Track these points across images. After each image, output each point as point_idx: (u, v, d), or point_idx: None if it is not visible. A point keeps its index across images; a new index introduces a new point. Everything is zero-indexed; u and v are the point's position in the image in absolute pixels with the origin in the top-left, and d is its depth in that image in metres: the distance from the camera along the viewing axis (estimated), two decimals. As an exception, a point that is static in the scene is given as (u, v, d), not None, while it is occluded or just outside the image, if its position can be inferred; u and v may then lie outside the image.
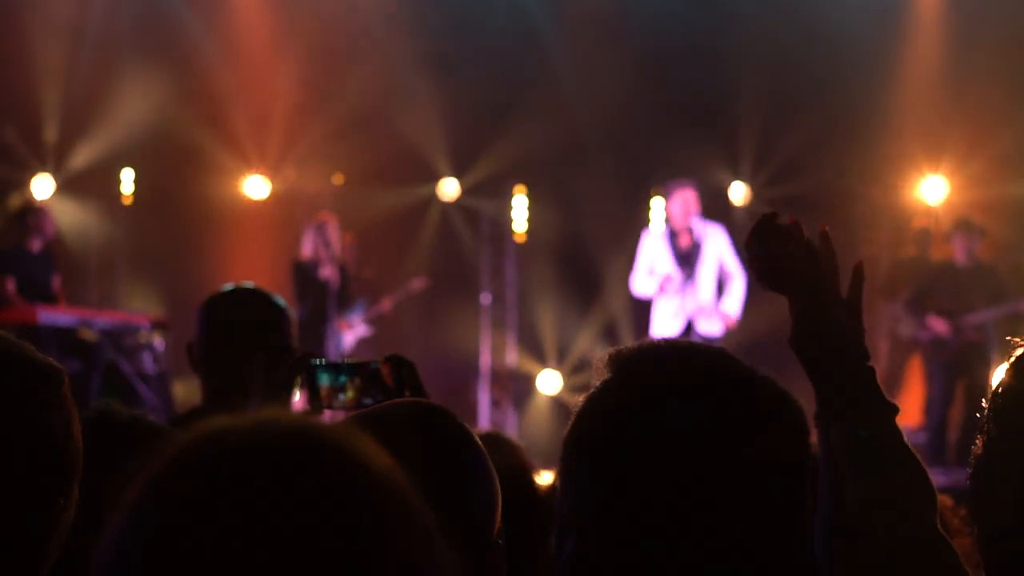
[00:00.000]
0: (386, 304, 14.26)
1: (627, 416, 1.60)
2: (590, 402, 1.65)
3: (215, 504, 1.15)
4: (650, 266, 11.50)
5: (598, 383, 1.68)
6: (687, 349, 1.68)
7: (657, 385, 1.61)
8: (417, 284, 14.64)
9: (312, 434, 1.22)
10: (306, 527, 1.14)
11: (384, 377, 2.90)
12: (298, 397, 2.95)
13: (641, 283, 11.58)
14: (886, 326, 15.08)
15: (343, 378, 2.95)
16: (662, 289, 11.24)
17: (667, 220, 11.74)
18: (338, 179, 14.92)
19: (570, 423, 1.66)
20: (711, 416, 1.57)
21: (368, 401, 2.90)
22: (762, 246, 2.25)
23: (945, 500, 2.60)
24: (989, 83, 14.80)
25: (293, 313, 3.92)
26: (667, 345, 1.69)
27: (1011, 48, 14.78)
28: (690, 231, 11.26)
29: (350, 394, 2.94)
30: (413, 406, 2.01)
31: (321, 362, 3.01)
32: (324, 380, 2.96)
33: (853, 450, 2.04)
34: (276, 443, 1.19)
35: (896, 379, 15.14)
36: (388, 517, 1.18)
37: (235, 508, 1.14)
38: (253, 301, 3.84)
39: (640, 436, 1.58)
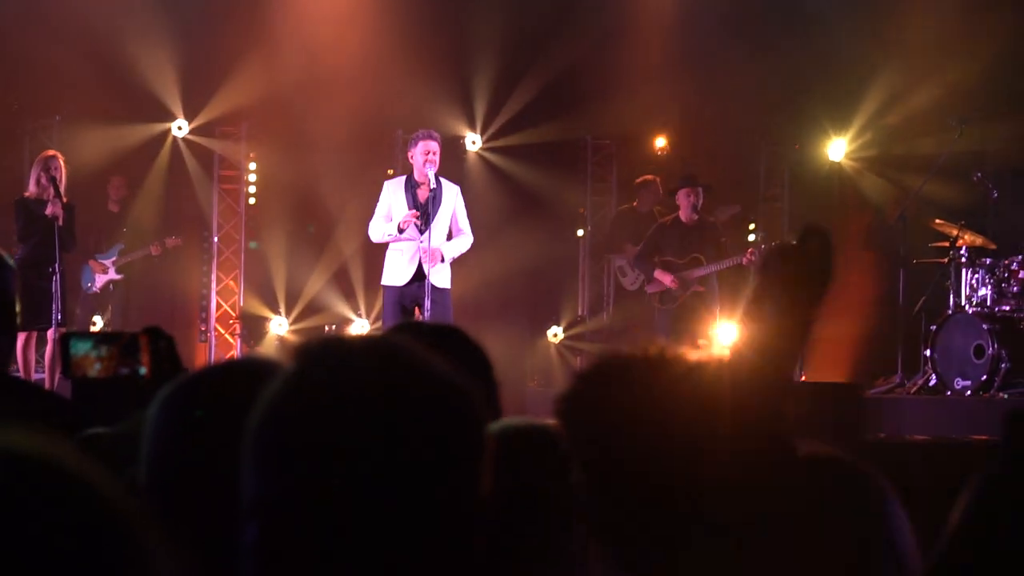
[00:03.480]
0: (140, 253, 14.38)
1: (302, 406, 1.68)
2: (274, 393, 1.72)
3: None
4: (387, 213, 11.48)
5: (286, 372, 1.75)
6: (368, 344, 1.76)
7: (334, 379, 1.69)
8: (171, 242, 14.56)
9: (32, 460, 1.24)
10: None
11: (141, 348, 2.93)
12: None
13: (377, 229, 11.54)
14: (612, 278, 15.53)
15: (100, 348, 2.97)
16: (402, 228, 11.22)
17: (408, 168, 11.72)
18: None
19: (257, 411, 1.72)
20: (381, 406, 1.67)
21: (124, 371, 2.94)
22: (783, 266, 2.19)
23: None
24: (719, 37, 15.21)
25: (11, 268, 3.79)
26: (350, 340, 1.76)
27: (737, 7, 15.22)
28: (429, 182, 11.27)
29: (105, 363, 2.96)
30: None
31: (77, 332, 3.03)
32: (79, 349, 2.97)
33: None
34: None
35: (625, 330, 15.58)
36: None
37: None
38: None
39: (311, 426, 1.66)
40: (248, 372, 2.24)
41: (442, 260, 11.34)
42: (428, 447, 1.67)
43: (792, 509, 1.99)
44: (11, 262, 3.78)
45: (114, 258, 14.32)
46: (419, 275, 11.23)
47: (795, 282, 2.13)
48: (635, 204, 14.97)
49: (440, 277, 11.31)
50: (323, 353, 1.73)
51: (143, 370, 2.93)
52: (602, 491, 1.96)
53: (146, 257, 14.62)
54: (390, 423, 1.66)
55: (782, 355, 2.14)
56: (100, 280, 14.28)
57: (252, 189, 16.23)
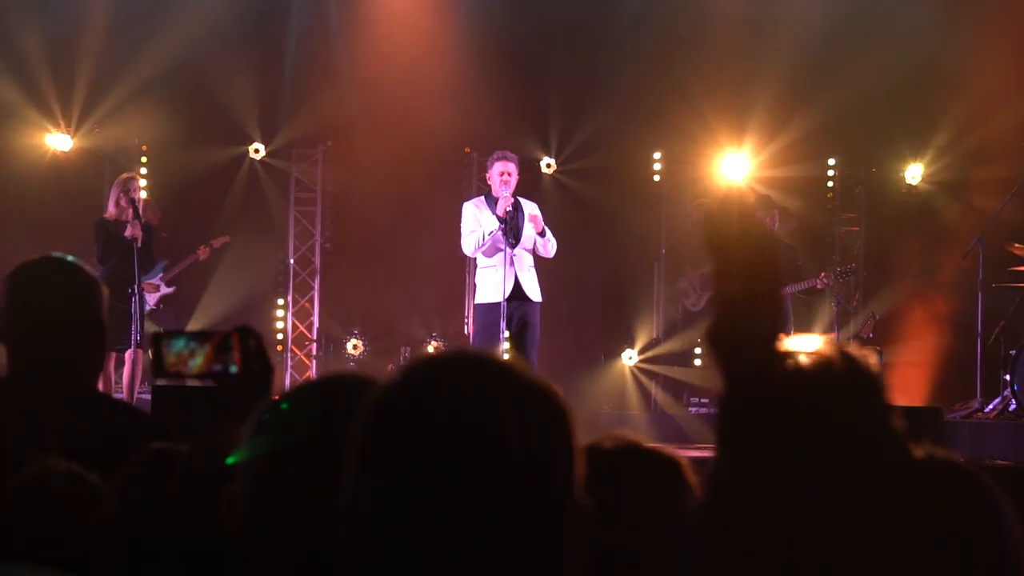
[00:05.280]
0: (188, 261, 14.26)
1: (404, 412, 1.72)
2: (376, 399, 1.76)
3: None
4: (476, 228, 11.49)
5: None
6: (465, 356, 1.79)
7: (433, 387, 1.74)
8: (218, 242, 14.59)
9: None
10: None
11: (233, 347, 2.99)
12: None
13: (471, 239, 11.50)
14: (679, 299, 15.52)
15: (193, 345, 3.02)
16: (501, 216, 11.21)
17: (488, 188, 11.79)
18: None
19: (360, 416, 1.76)
20: (477, 412, 1.71)
21: (218, 368, 2.99)
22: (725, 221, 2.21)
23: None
24: (790, 62, 15.16)
25: (103, 287, 3.85)
26: (451, 353, 1.81)
27: (811, 28, 15.17)
28: (510, 200, 11.32)
29: (200, 360, 3.01)
30: None
31: (169, 331, 3.09)
32: (174, 347, 3.02)
33: None
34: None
35: (690, 352, 15.57)
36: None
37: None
38: (63, 273, 3.75)
39: (410, 432, 1.70)
40: (342, 388, 2.27)
41: (541, 233, 11.37)
42: (523, 454, 1.70)
43: (912, 511, 1.97)
44: (101, 282, 3.84)
45: (160, 274, 14.32)
46: (515, 292, 11.28)
47: (730, 243, 2.17)
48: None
49: (533, 290, 11.36)
50: (423, 364, 1.77)
51: (234, 368, 2.98)
52: (746, 494, 1.97)
53: (196, 264, 14.55)
54: (486, 429, 1.69)
55: (763, 314, 2.17)
56: (152, 298, 14.25)
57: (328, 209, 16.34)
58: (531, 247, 11.51)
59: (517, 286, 11.30)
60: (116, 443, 3.20)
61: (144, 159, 15.51)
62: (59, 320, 3.64)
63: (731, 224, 2.14)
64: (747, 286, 2.13)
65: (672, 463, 2.62)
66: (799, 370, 2.01)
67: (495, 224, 11.31)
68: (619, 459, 2.52)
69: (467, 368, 1.74)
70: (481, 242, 11.38)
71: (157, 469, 2.76)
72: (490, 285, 11.42)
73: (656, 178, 16.43)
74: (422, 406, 1.70)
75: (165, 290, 14.21)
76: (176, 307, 14.82)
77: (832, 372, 1.99)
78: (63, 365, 3.64)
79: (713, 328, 2.13)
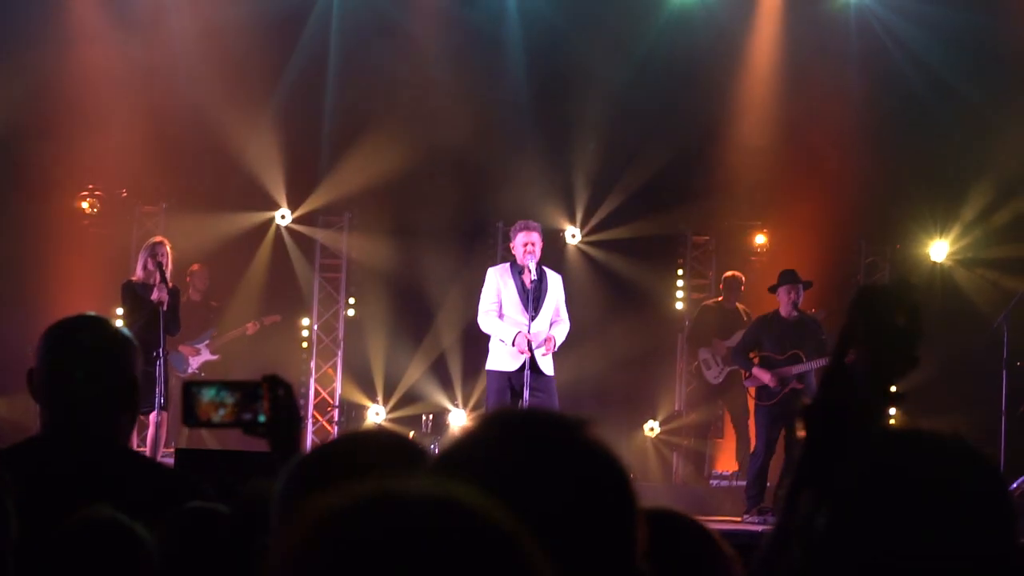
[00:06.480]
0: (236, 333, 14.57)
1: (454, 467, 1.75)
2: (440, 453, 1.81)
3: None
4: (497, 300, 11.52)
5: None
6: (536, 419, 1.83)
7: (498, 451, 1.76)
8: (268, 320, 14.83)
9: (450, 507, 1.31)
10: None
11: (262, 396, 3.00)
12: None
13: (490, 324, 11.57)
14: (696, 371, 15.45)
15: (223, 394, 3.03)
16: (514, 344, 11.29)
17: (512, 257, 11.83)
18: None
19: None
20: (544, 479, 1.73)
21: (247, 416, 3.00)
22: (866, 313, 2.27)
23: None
24: (816, 139, 15.22)
25: (136, 346, 3.85)
26: (521, 416, 1.87)
27: (835, 101, 15.24)
28: (533, 271, 11.34)
29: (229, 409, 3.02)
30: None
31: (199, 380, 3.10)
32: (204, 396, 3.03)
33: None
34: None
35: (711, 425, 15.52)
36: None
37: None
38: (97, 332, 3.76)
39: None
40: (373, 444, 2.27)
41: (555, 347, 11.41)
42: (588, 516, 1.72)
43: None
44: (135, 342, 3.85)
45: (207, 342, 14.45)
46: (526, 363, 11.26)
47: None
48: (720, 300, 15.02)
49: (546, 364, 11.36)
50: (489, 422, 1.80)
51: (263, 417, 2.99)
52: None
53: (242, 338, 14.76)
54: (551, 489, 1.71)
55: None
56: (195, 362, 14.40)
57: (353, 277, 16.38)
58: (547, 326, 11.51)
59: (531, 360, 11.29)
60: (150, 501, 3.20)
61: (170, 222, 15.57)
62: (93, 378, 3.65)
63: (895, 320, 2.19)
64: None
65: (706, 533, 2.63)
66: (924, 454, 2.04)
67: (514, 295, 11.36)
68: (656, 527, 2.53)
69: (534, 428, 1.75)
70: (497, 337, 11.46)
71: (198, 525, 2.77)
72: (503, 353, 11.43)
73: (679, 250, 16.47)
74: (490, 463, 1.71)
75: (208, 356, 14.39)
76: (208, 373, 14.92)
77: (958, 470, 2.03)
78: (96, 423, 3.65)
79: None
